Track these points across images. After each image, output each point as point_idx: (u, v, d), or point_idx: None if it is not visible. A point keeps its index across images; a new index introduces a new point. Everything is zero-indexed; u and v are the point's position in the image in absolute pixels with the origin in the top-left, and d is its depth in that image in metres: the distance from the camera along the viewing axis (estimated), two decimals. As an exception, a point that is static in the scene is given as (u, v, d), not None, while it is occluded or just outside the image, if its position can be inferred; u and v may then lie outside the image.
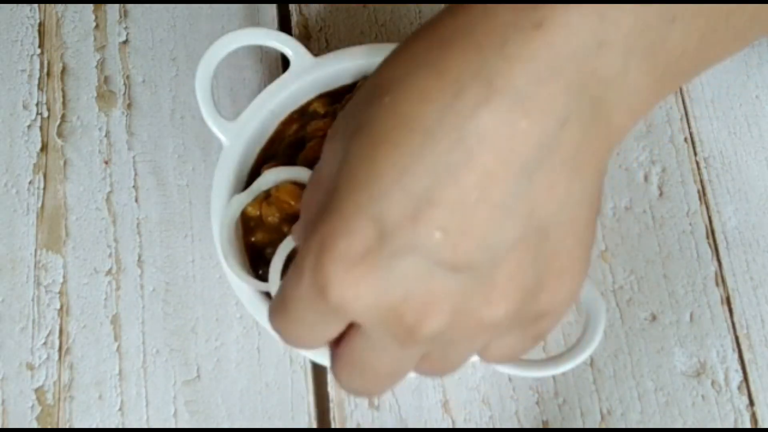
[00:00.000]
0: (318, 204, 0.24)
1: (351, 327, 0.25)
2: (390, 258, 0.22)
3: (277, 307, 0.25)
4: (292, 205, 0.38)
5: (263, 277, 0.38)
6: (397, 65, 0.23)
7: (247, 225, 0.40)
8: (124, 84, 0.48)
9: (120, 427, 0.41)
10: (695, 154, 0.46)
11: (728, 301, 0.43)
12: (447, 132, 0.21)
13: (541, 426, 0.41)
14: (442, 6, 0.52)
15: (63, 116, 0.47)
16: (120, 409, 0.42)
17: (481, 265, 0.22)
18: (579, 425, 0.41)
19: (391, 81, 0.23)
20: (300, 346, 0.26)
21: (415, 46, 0.23)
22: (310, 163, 0.38)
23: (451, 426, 0.41)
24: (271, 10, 0.50)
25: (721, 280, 0.44)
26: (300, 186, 0.38)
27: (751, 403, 0.42)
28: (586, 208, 0.24)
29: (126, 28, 0.49)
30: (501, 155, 0.21)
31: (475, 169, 0.21)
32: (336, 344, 0.26)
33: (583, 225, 0.24)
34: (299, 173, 0.38)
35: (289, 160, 0.40)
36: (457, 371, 0.28)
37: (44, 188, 0.46)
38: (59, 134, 0.47)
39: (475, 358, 0.36)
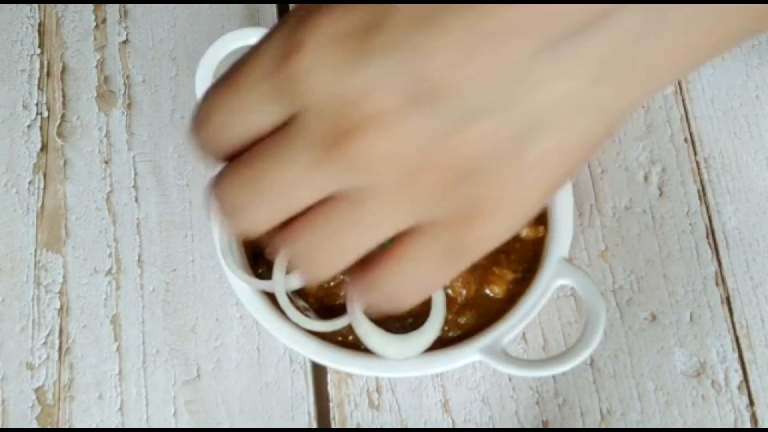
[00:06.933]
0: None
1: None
2: (374, 49, 0.20)
3: (226, 76, 0.22)
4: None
5: (263, 277, 0.38)
6: None
7: (247, 225, 0.40)
8: (124, 84, 0.48)
9: (120, 427, 0.41)
10: (695, 154, 0.46)
11: (728, 301, 0.43)
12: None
13: (541, 426, 0.41)
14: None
15: (63, 116, 0.47)
16: (120, 409, 0.42)
17: (450, 111, 0.20)
18: (579, 425, 0.41)
19: None
20: (214, 142, 0.23)
21: None
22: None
23: (451, 426, 0.41)
24: (271, 10, 0.50)
25: (721, 280, 0.44)
26: None
27: (751, 403, 0.42)
28: (590, 122, 0.21)
29: (126, 28, 0.49)
30: (536, 17, 0.20)
31: (503, 18, 0.20)
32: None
33: (577, 138, 0.21)
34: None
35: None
36: (326, 271, 0.23)
37: (44, 188, 0.46)
38: (59, 134, 0.47)
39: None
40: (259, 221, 0.23)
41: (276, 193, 0.22)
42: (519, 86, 0.20)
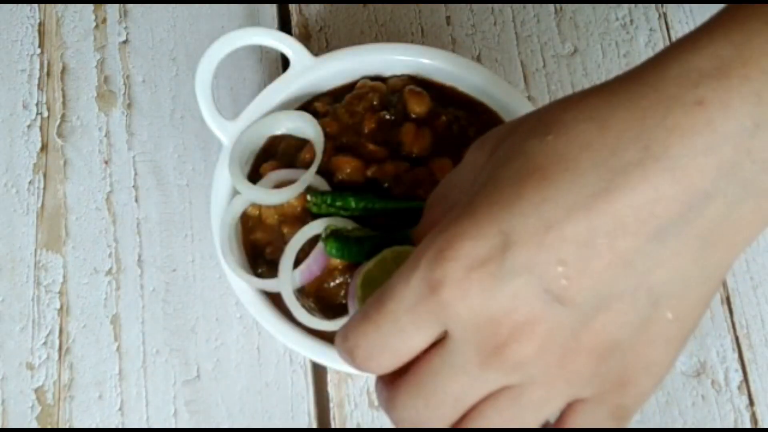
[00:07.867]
0: (448, 208, 0.26)
1: (426, 351, 0.26)
2: (507, 272, 0.23)
3: (370, 309, 0.26)
4: (293, 205, 0.38)
5: (263, 277, 0.38)
6: (566, 111, 0.25)
7: (246, 224, 0.40)
8: (124, 84, 0.48)
9: (120, 427, 0.41)
10: (695, 154, 0.46)
11: (728, 301, 0.43)
12: (596, 179, 0.23)
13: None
14: (441, 6, 0.52)
15: (63, 116, 0.47)
16: (120, 409, 0.42)
17: (583, 305, 0.23)
18: (579, 425, 0.41)
19: (558, 123, 0.25)
20: (370, 364, 0.26)
21: (586, 100, 0.25)
22: (308, 164, 0.38)
23: (451, 426, 0.41)
24: (271, 10, 0.50)
25: (721, 280, 0.44)
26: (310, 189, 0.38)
27: (751, 403, 0.42)
28: (702, 287, 0.25)
29: (126, 28, 0.49)
30: (640, 214, 0.23)
31: (611, 218, 0.23)
32: (391, 378, 0.27)
33: (693, 303, 0.25)
34: (298, 175, 0.38)
35: (289, 161, 0.40)
36: None
37: (44, 188, 0.46)
38: (59, 134, 0.47)
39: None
40: (438, 421, 0.26)
41: (451, 401, 0.25)
42: (635, 272, 0.23)
